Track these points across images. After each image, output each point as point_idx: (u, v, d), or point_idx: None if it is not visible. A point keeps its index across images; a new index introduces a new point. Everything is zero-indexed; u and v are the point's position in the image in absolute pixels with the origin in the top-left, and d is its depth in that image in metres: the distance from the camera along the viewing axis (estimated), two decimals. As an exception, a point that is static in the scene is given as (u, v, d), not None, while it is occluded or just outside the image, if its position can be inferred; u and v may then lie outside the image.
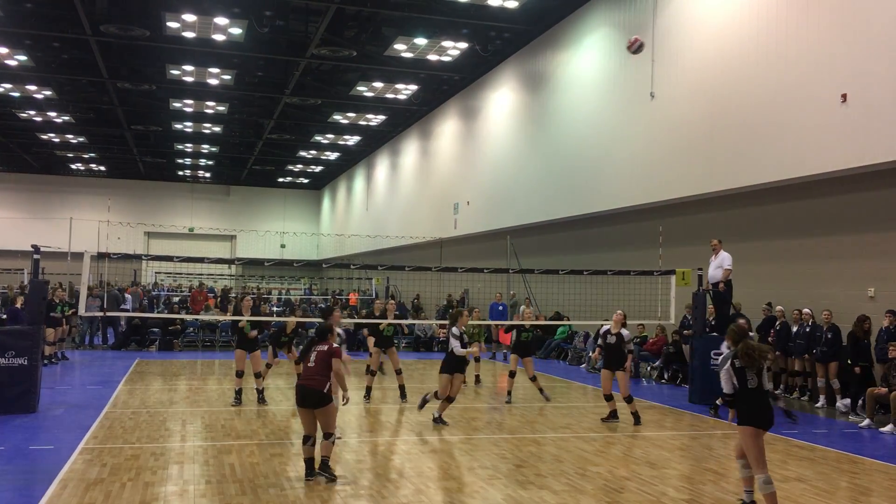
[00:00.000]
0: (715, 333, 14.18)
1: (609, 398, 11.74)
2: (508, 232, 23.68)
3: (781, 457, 9.51)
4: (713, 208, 16.69)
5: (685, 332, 15.88)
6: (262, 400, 12.70)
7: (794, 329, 14.25)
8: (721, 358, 6.89)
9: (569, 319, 20.79)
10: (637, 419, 11.47)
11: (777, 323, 14.80)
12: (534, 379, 13.48)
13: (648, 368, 17.79)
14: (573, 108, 20.65)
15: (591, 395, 14.72)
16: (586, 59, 20.02)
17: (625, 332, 11.87)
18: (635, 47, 15.23)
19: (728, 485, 8.02)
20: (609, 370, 11.86)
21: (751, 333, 10.86)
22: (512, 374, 13.75)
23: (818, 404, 13.46)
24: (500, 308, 22.53)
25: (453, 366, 11.16)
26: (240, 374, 12.69)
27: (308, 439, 7.94)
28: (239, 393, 12.64)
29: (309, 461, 7.95)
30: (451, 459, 8.98)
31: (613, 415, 11.73)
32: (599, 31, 19.48)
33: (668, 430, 11.28)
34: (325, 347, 8.18)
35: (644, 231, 18.71)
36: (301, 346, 9.50)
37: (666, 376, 16.88)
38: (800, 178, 13.79)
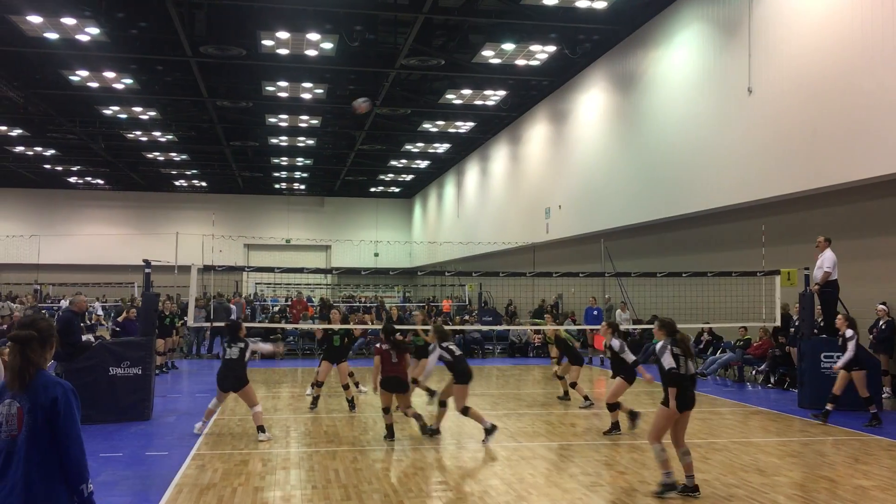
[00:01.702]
0: (824, 335, 13.64)
1: (611, 407, 10.96)
2: (602, 235, 23.38)
3: (902, 464, 9.04)
4: (819, 205, 16.02)
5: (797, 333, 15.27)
6: (353, 407, 12.91)
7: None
8: (659, 346, 7.65)
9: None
10: (614, 427, 10.83)
11: (882, 322, 14.12)
12: (573, 385, 13.44)
13: (753, 372, 17.20)
14: (666, 106, 20.21)
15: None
16: (679, 56, 19.57)
17: (615, 342, 11.19)
18: (361, 106, 16.40)
19: (844, 493, 7.68)
20: (613, 378, 11.46)
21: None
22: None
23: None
24: (595, 312, 22.26)
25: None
26: (319, 385, 13.04)
27: (388, 410, 10.39)
28: (316, 399, 13.04)
29: (390, 426, 10.37)
30: (552, 466, 8.91)
31: (615, 427, 10.90)
32: (692, 26, 19.02)
33: (775, 435, 10.88)
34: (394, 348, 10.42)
35: (744, 231, 18.14)
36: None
37: (772, 380, 16.29)
38: (913, 170, 13.11)
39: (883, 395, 13.76)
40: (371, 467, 8.79)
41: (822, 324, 14.02)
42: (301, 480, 8.22)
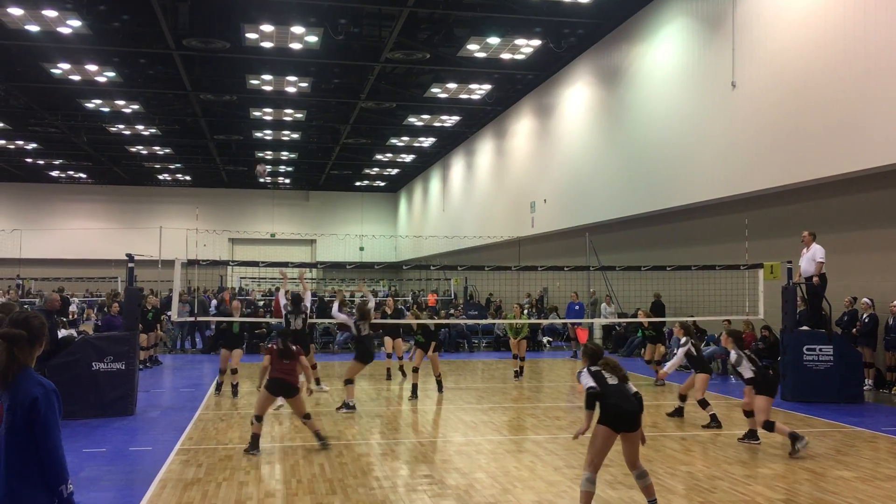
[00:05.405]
0: (806, 328, 13.74)
1: (702, 404, 11.17)
2: (587, 229, 23.44)
3: (884, 455, 9.13)
4: (801, 199, 16.14)
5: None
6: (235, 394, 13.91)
7: (891, 322, 13.67)
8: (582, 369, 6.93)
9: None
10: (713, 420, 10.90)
11: (865, 316, 14.26)
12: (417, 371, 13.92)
13: (736, 365, 17.28)
14: (651, 101, 20.28)
15: (677, 394, 14.40)
16: (663, 50, 19.63)
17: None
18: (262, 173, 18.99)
19: (826, 484, 7.75)
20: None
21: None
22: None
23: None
24: (577, 307, 22.32)
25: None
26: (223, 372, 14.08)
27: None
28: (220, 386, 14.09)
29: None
30: (538, 459, 8.93)
31: (713, 419, 11.05)
32: (676, 21, 19.07)
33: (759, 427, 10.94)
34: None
35: (728, 225, 18.24)
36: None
37: (755, 373, 16.38)
38: (892, 164, 13.21)
39: (864, 388, 13.92)
40: (356, 461, 8.78)
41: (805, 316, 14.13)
42: (286, 475, 8.20)
